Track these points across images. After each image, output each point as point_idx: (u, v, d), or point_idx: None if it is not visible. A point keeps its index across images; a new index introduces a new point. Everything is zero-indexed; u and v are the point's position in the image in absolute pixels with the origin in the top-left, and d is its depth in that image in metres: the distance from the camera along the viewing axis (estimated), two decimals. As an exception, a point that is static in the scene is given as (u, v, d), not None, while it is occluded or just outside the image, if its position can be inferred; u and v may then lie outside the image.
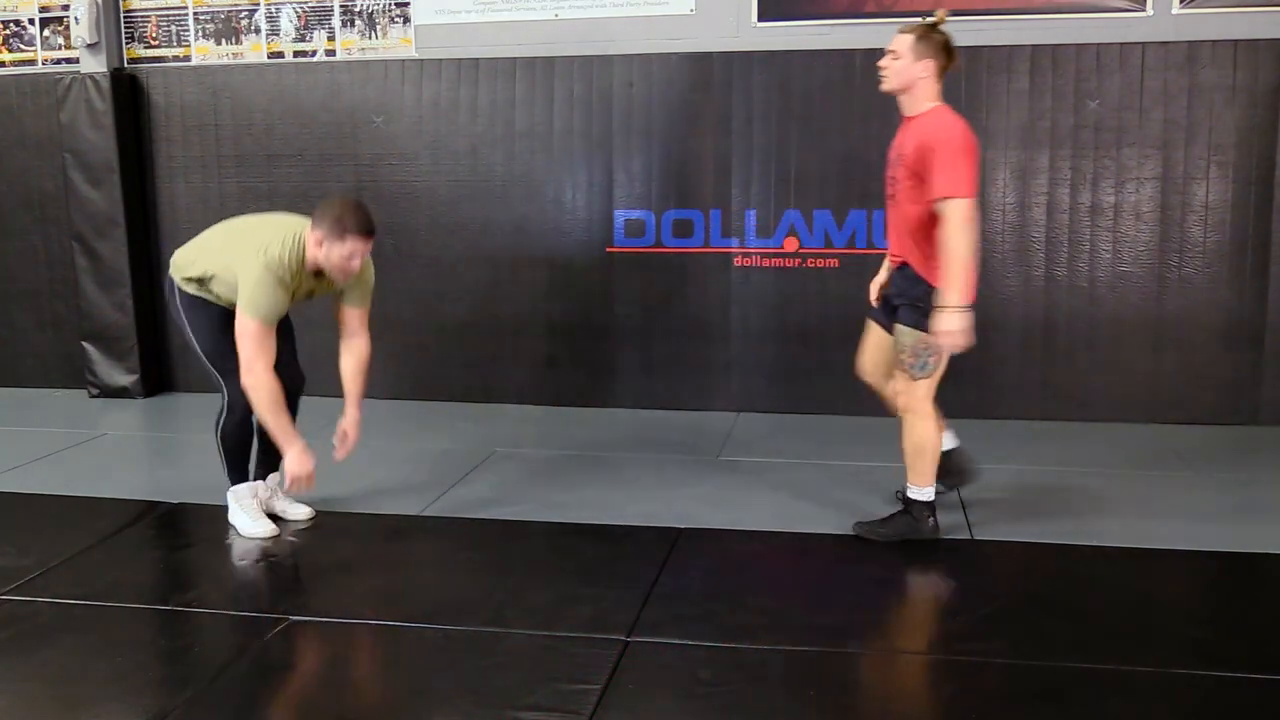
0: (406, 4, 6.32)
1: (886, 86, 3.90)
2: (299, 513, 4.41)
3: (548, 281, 6.30)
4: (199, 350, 4.20)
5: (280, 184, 6.50)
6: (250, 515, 4.26)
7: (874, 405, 5.98)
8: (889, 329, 4.02)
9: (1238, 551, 3.95)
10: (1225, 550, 3.96)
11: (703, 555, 4.01)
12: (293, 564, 4.01)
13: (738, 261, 6.09)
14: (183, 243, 6.48)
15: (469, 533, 4.29)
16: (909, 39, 3.81)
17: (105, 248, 6.55)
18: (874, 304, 4.23)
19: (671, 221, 6.12)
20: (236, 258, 3.97)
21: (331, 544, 4.18)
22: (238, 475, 4.30)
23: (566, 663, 3.12)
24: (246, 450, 4.31)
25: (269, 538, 4.19)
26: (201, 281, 4.11)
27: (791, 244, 6.01)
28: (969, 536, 4.15)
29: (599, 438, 5.66)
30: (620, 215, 6.17)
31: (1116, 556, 3.92)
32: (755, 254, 6.07)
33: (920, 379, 3.87)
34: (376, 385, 6.49)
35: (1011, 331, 5.81)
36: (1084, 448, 5.36)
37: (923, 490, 4.02)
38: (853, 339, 5.95)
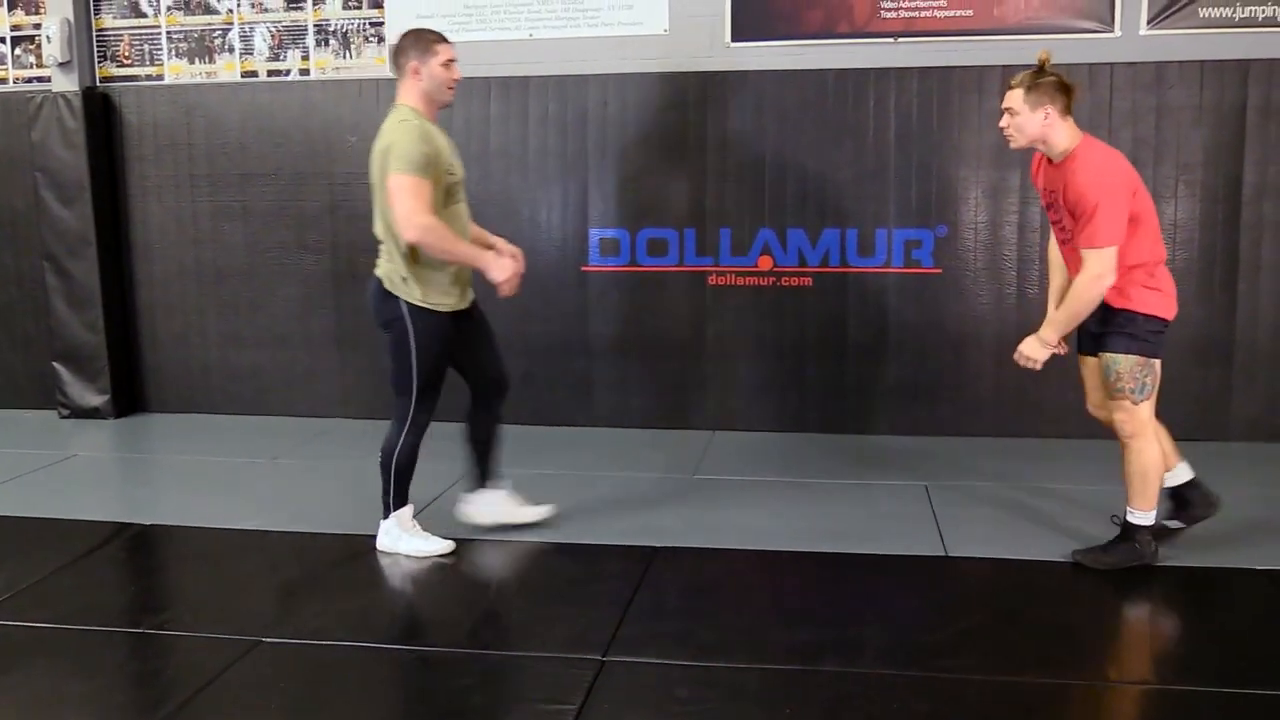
0: (381, 23, 6.33)
1: (1015, 145, 3.89)
2: (538, 513, 4.44)
3: (523, 300, 6.23)
4: (414, 374, 4.04)
5: (254, 203, 6.48)
6: (421, 537, 4.19)
7: (850, 423, 6.06)
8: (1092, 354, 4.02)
9: (1210, 566, 3.99)
10: (1197, 566, 3.99)
11: (679, 574, 4.01)
12: (265, 585, 3.97)
13: (712, 280, 6.11)
14: (155, 262, 6.50)
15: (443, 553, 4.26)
16: (1019, 93, 3.78)
17: (77, 267, 6.51)
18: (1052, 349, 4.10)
19: (646, 240, 6.13)
20: (383, 179, 3.90)
21: (305, 565, 4.15)
22: (401, 499, 4.19)
23: (542, 683, 3.11)
24: (412, 474, 4.20)
25: (447, 554, 4.14)
26: (410, 266, 3.96)
27: (766, 263, 6.03)
28: (943, 553, 4.17)
29: (574, 456, 5.66)
30: (595, 234, 6.18)
31: (1090, 574, 3.94)
32: (730, 273, 6.09)
33: (1141, 402, 3.84)
34: (350, 405, 6.51)
35: (985, 349, 5.85)
36: (1057, 464, 5.39)
37: (1146, 515, 3.90)
38: (826, 357, 6.03)
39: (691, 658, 3.28)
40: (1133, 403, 3.83)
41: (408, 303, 3.99)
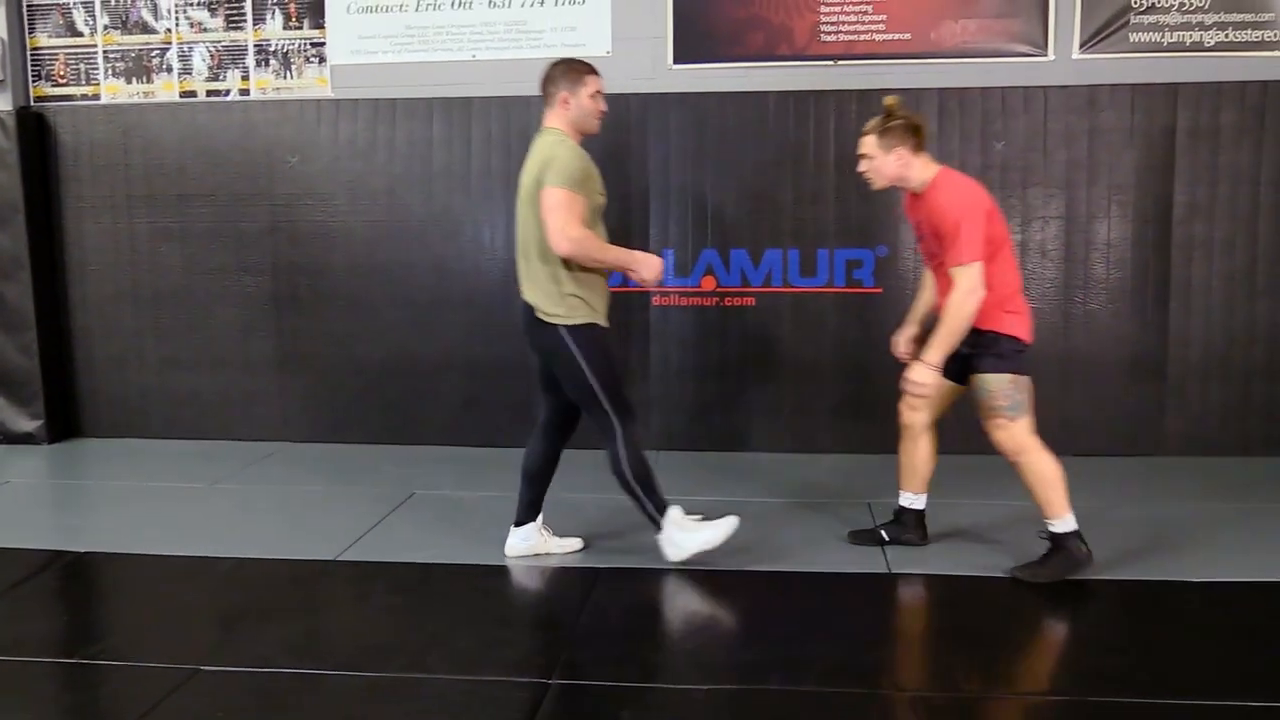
0: (322, 44, 6.30)
1: (876, 187, 4.11)
2: (569, 545, 4.43)
3: (467, 322, 6.28)
4: (596, 388, 4.05)
5: (193, 224, 6.40)
6: (707, 527, 4.18)
7: (793, 442, 6.09)
8: (958, 380, 4.16)
9: (1147, 579, 4.06)
10: (1135, 579, 4.06)
11: (623, 595, 4.01)
12: (204, 613, 3.90)
13: (656, 301, 6.13)
14: (91, 284, 6.40)
15: (388, 577, 4.23)
16: (872, 139, 4.02)
17: (10, 290, 6.38)
18: (903, 356, 4.38)
19: (590, 261, 6.13)
20: (533, 209, 4.00)
21: (245, 591, 4.09)
22: (659, 505, 4.17)
23: (488, 707, 3.09)
24: (651, 476, 4.19)
25: (728, 538, 4.15)
26: (559, 285, 3.99)
27: (709, 283, 6.07)
28: (886, 570, 4.20)
29: (518, 478, 5.62)
30: (539, 255, 6.17)
31: (1029, 588, 3.99)
32: (673, 293, 6.12)
33: (1017, 418, 3.97)
34: (291, 428, 6.44)
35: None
36: (995, 481, 5.45)
37: (1064, 521, 3.99)
38: (769, 377, 6.07)
39: (637, 679, 3.28)
40: (1009, 419, 3.97)
41: (564, 326, 4.01)
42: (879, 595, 4.02)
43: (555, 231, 3.88)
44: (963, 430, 5.97)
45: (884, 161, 4.00)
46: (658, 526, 4.17)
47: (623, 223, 6.09)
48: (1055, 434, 5.67)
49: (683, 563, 4.16)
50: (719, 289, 6.08)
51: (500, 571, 4.23)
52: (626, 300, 6.14)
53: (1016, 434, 3.97)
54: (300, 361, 6.42)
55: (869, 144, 4.02)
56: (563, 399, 4.24)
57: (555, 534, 4.46)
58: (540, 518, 4.41)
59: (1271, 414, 5.90)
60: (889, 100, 4.04)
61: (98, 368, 6.61)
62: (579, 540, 4.49)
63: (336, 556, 4.43)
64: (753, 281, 6.05)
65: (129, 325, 6.54)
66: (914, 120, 4.01)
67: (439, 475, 5.69)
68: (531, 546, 4.38)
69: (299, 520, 4.97)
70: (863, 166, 4.08)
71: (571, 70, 4.09)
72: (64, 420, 6.63)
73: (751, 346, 6.08)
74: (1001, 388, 3.96)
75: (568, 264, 3.96)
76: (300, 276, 6.36)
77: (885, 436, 5.61)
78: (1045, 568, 4.01)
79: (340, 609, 3.99)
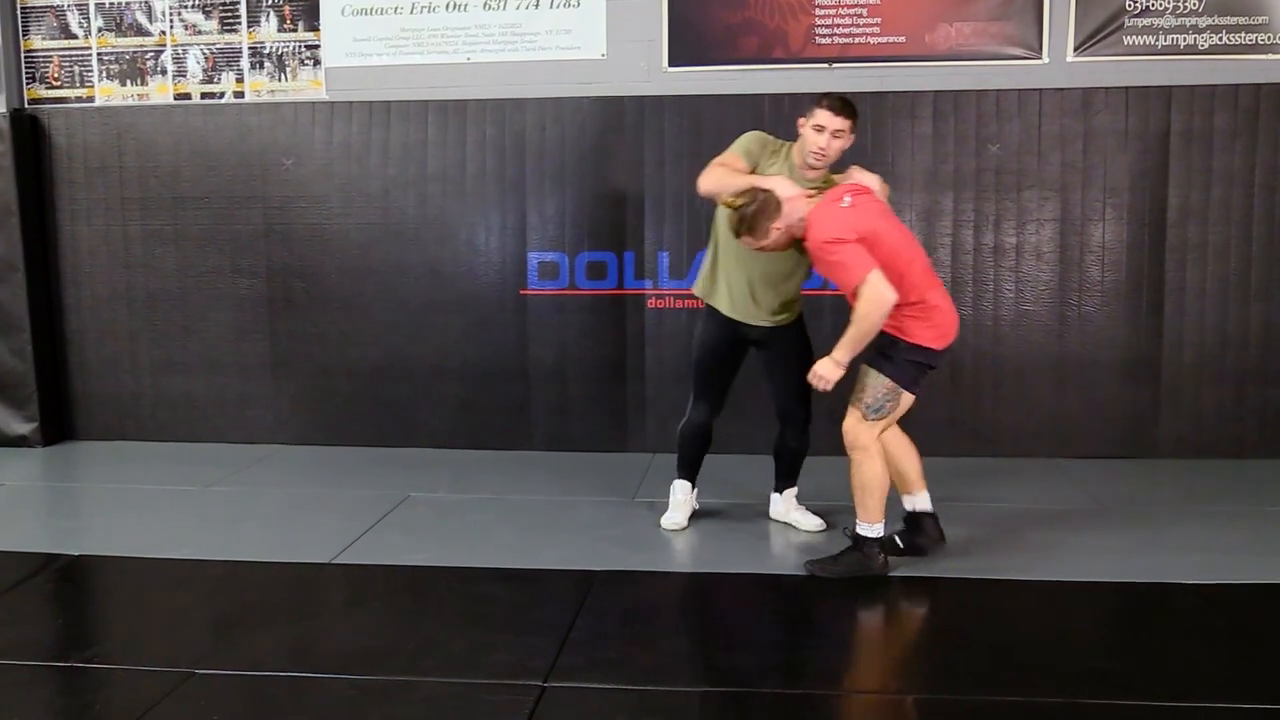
0: (317, 46, 6.29)
1: (782, 248, 4.20)
2: (811, 524, 4.68)
3: (461, 324, 6.27)
4: (693, 357, 4.64)
5: (187, 227, 6.39)
6: (671, 507, 4.77)
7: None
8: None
9: (1141, 581, 4.06)
10: (1130, 581, 4.07)
11: (619, 598, 4.00)
12: (198, 616, 3.89)
13: (651, 303, 6.13)
14: (85, 287, 6.41)
15: (381, 580, 4.22)
16: (749, 240, 4.11)
17: (3, 292, 6.37)
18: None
19: (585, 264, 6.14)
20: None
21: (239, 595, 4.08)
22: (682, 470, 4.79)
23: (482, 710, 3.08)
24: (694, 454, 4.75)
25: (674, 529, 4.70)
26: (713, 269, 4.49)
27: (704, 285, 6.06)
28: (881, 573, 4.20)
29: (513, 481, 5.63)
30: (534, 258, 6.18)
31: (1024, 590, 3.99)
32: (669, 295, 6.12)
33: (872, 420, 4.01)
34: (286, 431, 6.43)
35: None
36: (991, 483, 5.47)
37: (872, 527, 4.08)
38: (764, 380, 6.04)
39: (632, 682, 3.27)
40: (864, 416, 4.03)
41: (705, 301, 4.55)
42: (873, 598, 4.01)
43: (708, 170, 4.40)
44: (955, 431, 6.00)
45: (775, 240, 4.06)
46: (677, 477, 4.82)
47: (618, 225, 6.10)
48: (1050, 436, 5.72)
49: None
50: (714, 292, 6.07)
51: (496, 575, 4.22)
52: (622, 303, 6.14)
53: (862, 431, 4.04)
54: (295, 364, 6.41)
55: (750, 243, 4.11)
56: (771, 393, 4.70)
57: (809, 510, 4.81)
58: (789, 490, 4.81)
59: (1265, 417, 5.90)
60: (726, 199, 4.15)
61: (92, 371, 6.59)
62: (820, 521, 4.70)
63: (331, 560, 4.43)
64: (748, 284, 6.04)
65: (123, 328, 6.52)
66: (757, 198, 4.02)
67: (434, 478, 5.68)
68: (778, 513, 4.83)
69: (293, 523, 4.96)
70: (756, 245, 4.12)
71: (816, 99, 4.26)
72: (58, 423, 6.62)
73: (746, 349, 6.08)
74: (875, 386, 4.01)
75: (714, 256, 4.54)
76: (294, 279, 6.36)
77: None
78: (838, 565, 4.11)
79: (334, 613, 3.98)
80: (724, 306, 4.46)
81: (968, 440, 5.99)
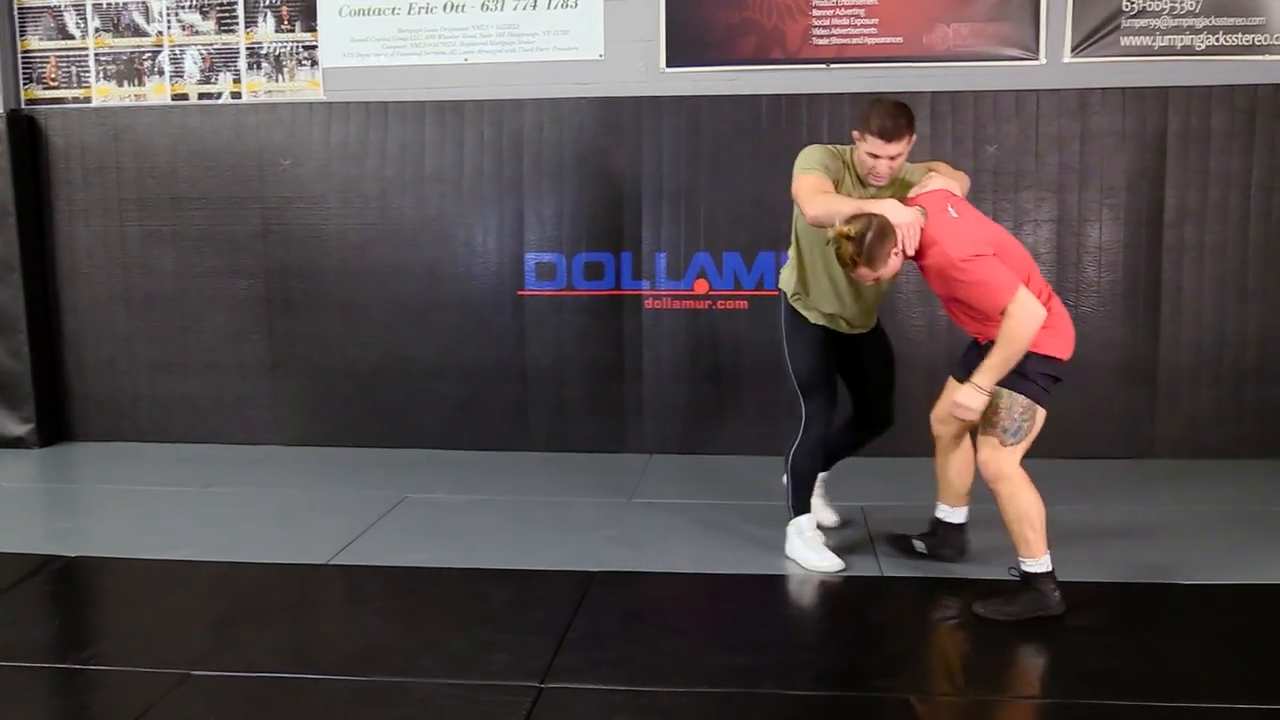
0: (314, 46, 6.29)
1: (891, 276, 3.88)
2: (827, 518, 4.65)
3: (459, 325, 6.27)
4: (791, 369, 4.27)
5: (185, 227, 6.39)
6: (812, 548, 4.26)
7: (781, 446, 6.08)
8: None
9: (1139, 582, 4.06)
10: (1127, 581, 4.07)
11: (617, 598, 4.00)
12: (196, 617, 3.89)
13: (649, 304, 6.13)
14: (82, 288, 6.41)
15: (379, 581, 4.22)
16: (864, 270, 3.74)
17: (1, 293, 6.36)
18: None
19: (582, 264, 6.14)
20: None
21: (236, 595, 4.08)
22: (801, 506, 4.31)
23: (480, 711, 3.09)
24: (812, 481, 4.35)
25: (834, 572, 4.18)
26: (801, 280, 4.22)
27: (702, 286, 6.07)
28: (879, 573, 4.21)
29: (511, 482, 5.63)
30: (531, 258, 6.18)
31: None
32: (666, 296, 6.12)
33: (1010, 444, 3.74)
34: (284, 432, 6.43)
35: (917, 371, 5.90)
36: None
37: (1038, 561, 3.73)
38: (762, 379, 6.07)
39: (630, 683, 3.27)
40: (1001, 442, 3.74)
41: (787, 305, 4.30)
42: (872, 598, 4.01)
43: (802, 203, 4.00)
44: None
45: (892, 267, 3.72)
46: (792, 516, 4.36)
47: (615, 225, 6.10)
48: (1047, 437, 5.68)
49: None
50: (711, 292, 6.08)
51: (494, 575, 4.22)
52: (619, 303, 6.14)
53: (1003, 460, 3.73)
54: (292, 365, 6.41)
55: (865, 273, 3.74)
56: (856, 397, 4.52)
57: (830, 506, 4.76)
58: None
59: (1263, 417, 5.91)
60: (841, 230, 3.68)
61: (89, 371, 6.59)
62: (836, 517, 4.72)
63: (329, 560, 4.42)
64: (745, 284, 6.05)
65: (120, 329, 6.52)
66: (869, 229, 3.64)
67: (431, 479, 5.68)
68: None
69: (291, 524, 4.96)
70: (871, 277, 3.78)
71: (864, 119, 3.90)
72: (55, 424, 6.61)
73: (744, 350, 6.08)
74: (1010, 407, 3.73)
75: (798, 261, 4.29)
76: (292, 280, 6.35)
77: (880, 439, 5.63)
78: (1012, 606, 3.75)
79: (332, 613, 3.98)
80: (815, 315, 4.23)
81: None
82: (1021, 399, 3.71)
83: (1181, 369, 5.92)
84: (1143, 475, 5.65)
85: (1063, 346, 3.78)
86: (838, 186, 3.97)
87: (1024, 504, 3.71)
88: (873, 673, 3.36)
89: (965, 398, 3.71)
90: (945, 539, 4.27)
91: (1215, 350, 5.89)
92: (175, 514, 5.14)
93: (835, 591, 4.03)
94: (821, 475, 4.62)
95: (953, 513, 4.25)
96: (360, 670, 3.36)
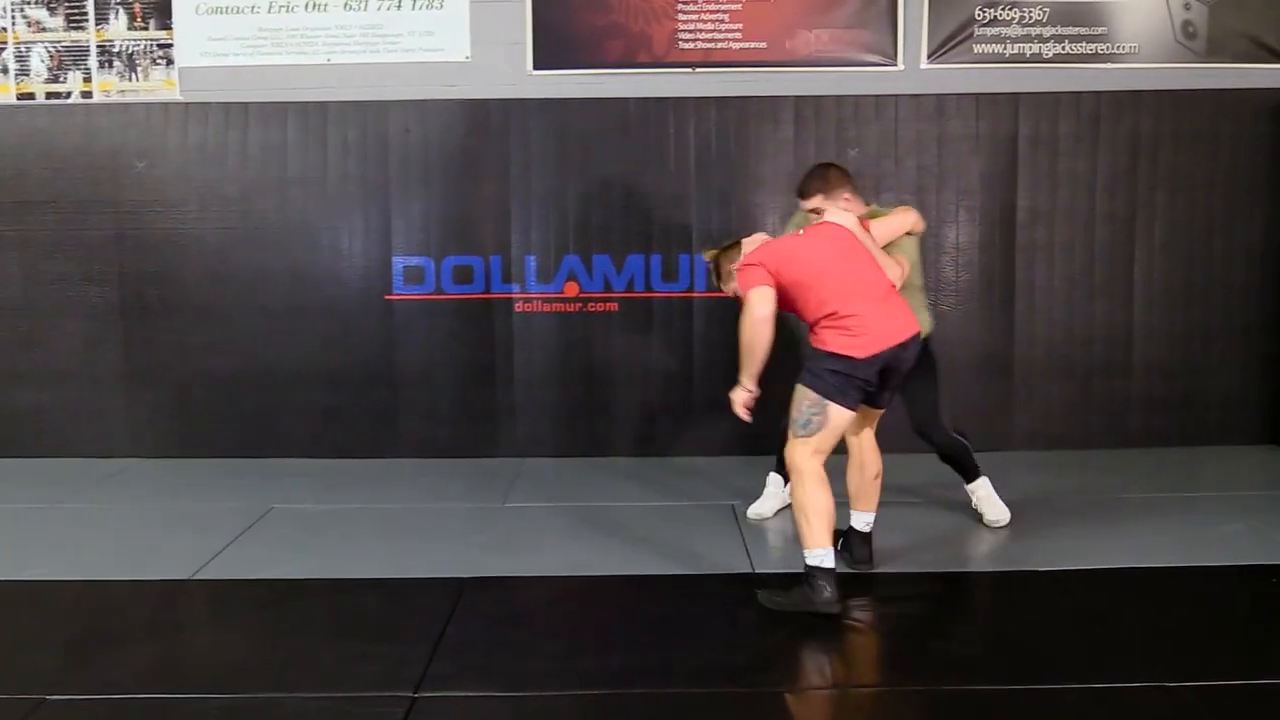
0: (169, 45, 6.10)
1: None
2: (994, 515, 4.82)
3: (325, 330, 6.15)
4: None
5: (34, 232, 6.12)
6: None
7: (658, 446, 6.14)
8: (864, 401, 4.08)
9: (997, 570, 4.22)
10: (985, 570, 4.21)
11: (489, 604, 3.98)
12: (50, 639, 3.72)
13: (519, 307, 6.12)
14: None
15: (246, 595, 4.11)
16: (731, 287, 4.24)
17: None
18: None
19: (451, 268, 6.09)
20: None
21: (93, 615, 3.93)
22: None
23: (352, 724, 3.04)
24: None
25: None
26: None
27: (572, 289, 6.08)
28: (751, 571, 4.27)
29: (381, 489, 5.55)
30: (399, 262, 6.10)
31: (883, 581, 4.10)
32: (536, 299, 6.11)
33: (802, 436, 3.85)
34: (142, 444, 6.21)
35: (787, 368, 6.02)
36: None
37: (812, 554, 3.79)
38: (633, 381, 6.11)
39: (504, 689, 3.26)
40: (794, 434, 3.89)
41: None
42: (744, 596, 4.07)
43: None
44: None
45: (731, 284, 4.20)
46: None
47: (484, 228, 6.07)
48: (908, 432, 5.86)
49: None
50: (582, 294, 6.10)
51: (364, 585, 4.16)
52: (489, 307, 6.11)
53: (795, 452, 3.87)
54: (150, 374, 6.20)
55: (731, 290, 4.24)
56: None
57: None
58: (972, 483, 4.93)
59: (1110, 409, 6.19)
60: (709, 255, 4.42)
61: (-70, 384, 6.26)
62: (1005, 513, 4.85)
63: (191, 576, 4.29)
64: (615, 286, 6.08)
65: (-37, 339, 6.22)
66: (728, 253, 4.28)
67: (297, 489, 5.56)
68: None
69: (150, 539, 4.79)
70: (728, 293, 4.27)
71: (810, 178, 4.49)
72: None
73: (615, 352, 6.11)
74: (798, 400, 3.88)
75: None
76: (149, 286, 6.15)
77: (749, 438, 5.72)
78: (784, 597, 3.87)
79: (196, 630, 3.86)
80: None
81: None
82: (810, 393, 3.88)
83: (1035, 364, 6.16)
84: (1000, 467, 5.83)
85: (858, 347, 3.85)
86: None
87: (803, 497, 3.85)
88: (745, 669, 3.41)
89: (733, 394, 4.02)
90: (850, 543, 4.32)
91: (1066, 345, 6.15)
92: (25, 531, 4.92)
93: (708, 590, 4.08)
94: (975, 484, 4.93)
95: (852, 517, 4.31)
96: (228, 687, 3.27)
